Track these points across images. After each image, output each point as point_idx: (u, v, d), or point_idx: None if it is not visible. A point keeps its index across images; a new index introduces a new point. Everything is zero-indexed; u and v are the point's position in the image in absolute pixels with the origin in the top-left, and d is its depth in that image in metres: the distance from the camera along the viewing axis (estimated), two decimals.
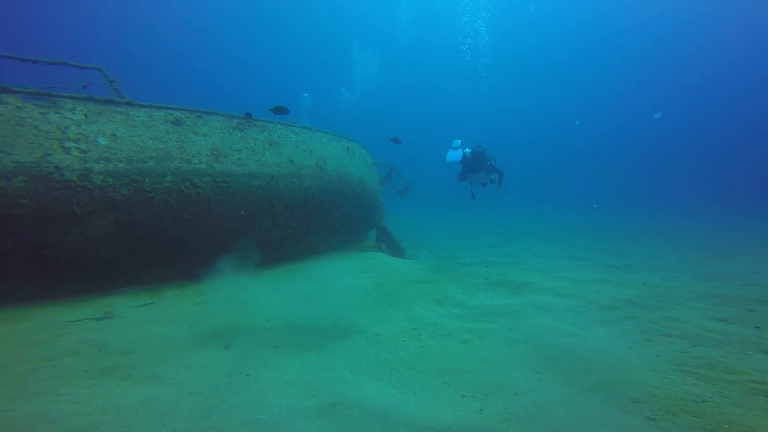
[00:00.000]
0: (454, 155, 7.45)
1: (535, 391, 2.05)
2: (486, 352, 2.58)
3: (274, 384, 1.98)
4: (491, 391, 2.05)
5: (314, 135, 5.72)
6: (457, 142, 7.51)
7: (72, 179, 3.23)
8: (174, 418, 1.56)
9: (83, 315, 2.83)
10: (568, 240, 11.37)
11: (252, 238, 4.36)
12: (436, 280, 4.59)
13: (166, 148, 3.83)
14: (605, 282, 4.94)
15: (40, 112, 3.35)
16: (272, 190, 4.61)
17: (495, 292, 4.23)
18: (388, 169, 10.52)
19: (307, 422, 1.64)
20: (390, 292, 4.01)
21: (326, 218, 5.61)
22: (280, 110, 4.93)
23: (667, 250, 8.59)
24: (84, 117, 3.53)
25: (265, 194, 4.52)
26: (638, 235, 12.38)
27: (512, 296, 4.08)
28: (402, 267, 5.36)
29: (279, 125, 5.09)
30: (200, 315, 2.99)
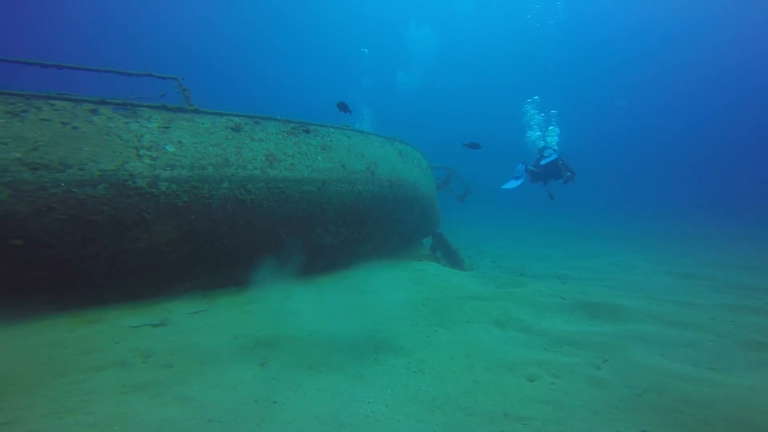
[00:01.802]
0: (512, 185, 6.72)
1: None
2: (561, 395, 2.07)
3: (299, 417, 1.79)
4: None
5: (366, 138, 5.59)
6: (521, 169, 6.70)
7: (142, 186, 3.38)
8: None
9: (144, 320, 3.00)
10: (669, 252, 9.54)
11: (302, 245, 4.35)
12: (497, 296, 4.06)
13: (224, 155, 3.91)
14: (739, 308, 3.89)
15: (124, 122, 3.53)
16: (323, 195, 4.56)
17: (573, 315, 3.56)
18: (445, 172, 10.02)
19: None
20: (441, 308, 3.62)
21: (377, 225, 5.42)
22: (343, 107, 4.90)
23: None
24: (158, 125, 3.70)
25: (316, 200, 4.48)
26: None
27: (597, 322, 3.38)
28: (457, 280, 4.90)
29: (332, 129, 5.05)
30: (245, 325, 2.99)
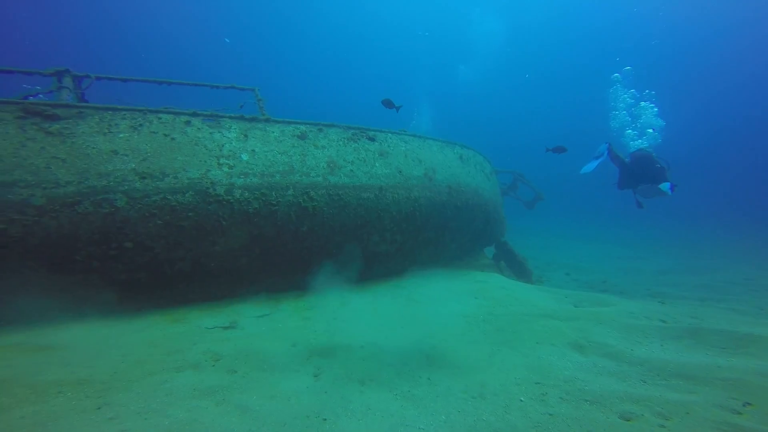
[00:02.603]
0: (591, 166, 5.81)
1: None
2: None
3: None
4: None
5: (424, 143, 5.47)
6: (603, 148, 5.79)
7: (220, 194, 3.60)
8: None
9: (217, 322, 3.24)
10: None
11: (359, 252, 4.38)
12: (575, 316, 3.59)
13: (290, 162, 4.03)
14: None
15: (210, 132, 3.75)
16: (380, 202, 4.55)
17: (680, 342, 2.97)
18: (512, 177, 9.37)
19: None
20: (505, 326, 3.31)
21: (435, 233, 5.24)
22: (388, 104, 4.89)
23: None
24: (236, 135, 3.87)
25: (373, 207, 4.49)
26: None
27: (723, 353, 2.75)
28: (524, 294, 4.47)
29: (390, 134, 5.03)
30: (303, 332, 3.07)
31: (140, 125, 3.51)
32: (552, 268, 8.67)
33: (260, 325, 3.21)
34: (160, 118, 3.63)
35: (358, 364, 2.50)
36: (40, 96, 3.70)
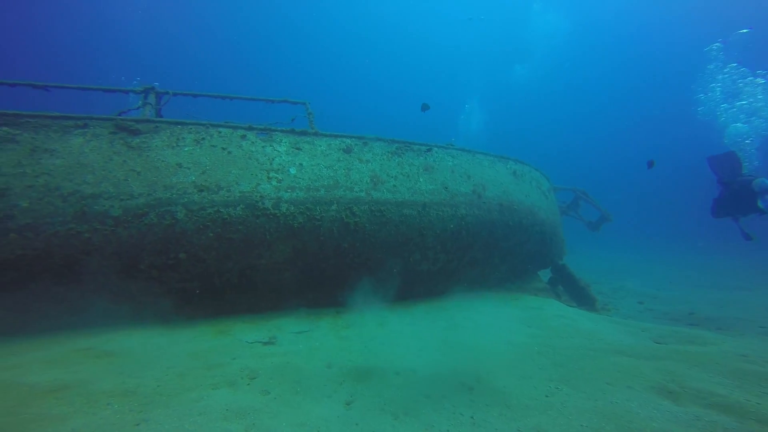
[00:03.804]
0: None
1: None
2: None
3: None
4: None
5: (473, 158, 5.23)
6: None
7: (268, 208, 3.56)
8: None
9: (258, 337, 3.25)
10: None
11: (400, 271, 4.23)
12: (660, 354, 3.01)
13: (335, 176, 3.99)
14: None
15: (262, 146, 3.79)
16: (423, 219, 4.38)
17: None
18: (573, 195, 8.61)
19: None
20: (565, 360, 2.89)
21: (483, 253, 4.91)
22: (425, 107, 4.76)
23: None
24: (285, 148, 3.89)
25: (415, 224, 4.33)
26: None
27: None
28: (588, 324, 3.93)
29: (436, 148, 4.87)
30: (339, 353, 2.96)
31: (202, 139, 3.65)
32: (620, 296, 7.64)
33: (298, 342, 3.17)
34: (219, 132, 3.76)
35: (393, 393, 2.30)
36: (131, 112, 3.99)
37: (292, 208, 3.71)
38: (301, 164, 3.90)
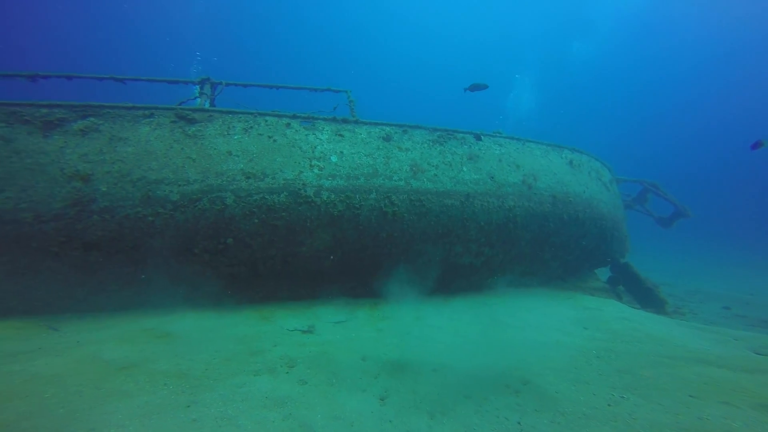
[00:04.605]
0: None
1: None
2: None
3: None
4: None
5: (524, 146, 4.85)
6: None
7: (309, 195, 3.57)
8: None
9: (298, 325, 3.29)
10: None
11: (439, 263, 4.06)
12: (763, 367, 2.57)
13: (374, 165, 3.93)
14: None
15: (305, 134, 3.81)
16: (466, 210, 4.15)
17: None
18: (641, 187, 7.71)
19: None
20: (631, 367, 2.55)
21: (532, 248, 4.55)
22: (476, 87, 4.43)
23: None
24: (327, 136, 3.89)
25: (457, 215, 4.12)
26: None
27: None
28: (660, 329, 3.47)
29: (482, 136, 4.61)
30: (375, 345, 2.90)
31: (251, 127, 3.74)
32: (697, 299, 6.71)
33: (335, 333, 3.15)
34: (266, 121, 3.83)
35: (429, 391, 2.19)
36: (189, 102, 4.17)
37: (333, 196, 3.69)
38: (341, 152, 3.87)
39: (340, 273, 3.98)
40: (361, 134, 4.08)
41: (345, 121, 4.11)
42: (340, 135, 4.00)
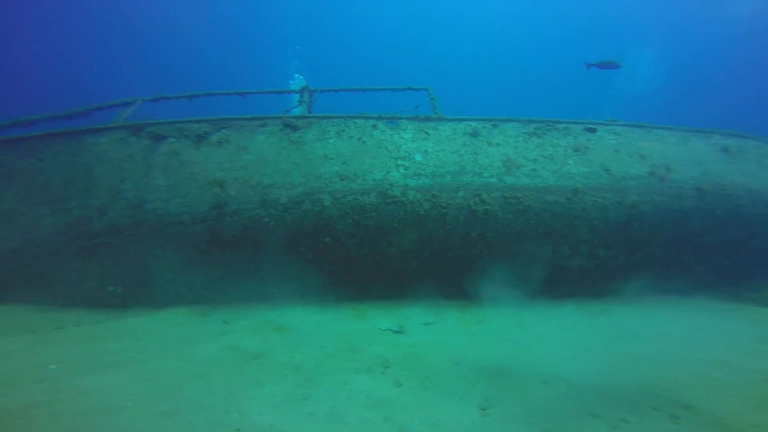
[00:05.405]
0: None
1: None
2: None
3: None
4: None
5: (649, 133, 4.05)
6: None
7: (396, 195, 3.57)
8: None
9: (389, 324, 3.27)
10: None
11: (542, 266, 3.55)
12: None
13: (461, 162, 3.77)
14: None
15: (390, 134, 3.84)
16: (574, 208, 3.60)
17: None
18: None
19: None
20: None
21: (666, 249, 3.66)
22: (605, 65, 3.85)
23: None
24: (411, 135, 3.87)
25: (563, 213, 3.60)
26: None
27: None
28: None
29: (590, 125, 4.01)
30: (470, 350, 2.69)
31: (342, 131, 3.89)
32: None
33: (425, 334, 3.04)
34: (355, 123, 3.96)
35: (540, 404, 1.90)
36: (291, 111, 4.28)
37: (419, 195, 3.63)
38: (426, 150, 3.82)
39: (428, 274, 3.86)
40: (445, 131, 3.96)
41: (428, 118, 4.04)
42: (426, 132, 3.94)
